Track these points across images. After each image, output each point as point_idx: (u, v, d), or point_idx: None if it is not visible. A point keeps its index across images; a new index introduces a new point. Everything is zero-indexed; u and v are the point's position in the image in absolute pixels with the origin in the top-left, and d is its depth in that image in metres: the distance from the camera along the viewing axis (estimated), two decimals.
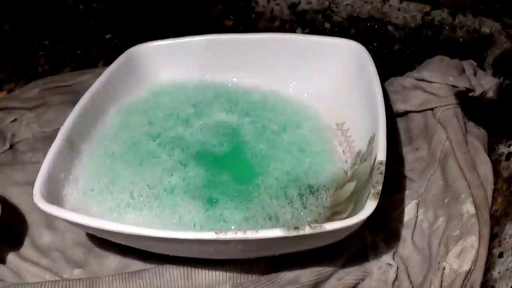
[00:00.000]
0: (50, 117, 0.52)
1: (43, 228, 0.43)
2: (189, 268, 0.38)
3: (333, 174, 0.42)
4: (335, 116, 0.46)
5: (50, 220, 0.43)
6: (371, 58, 0.44)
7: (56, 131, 0.40)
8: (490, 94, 0.47)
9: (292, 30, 0.61)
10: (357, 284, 0.39)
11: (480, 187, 0.41)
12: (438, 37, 0.55)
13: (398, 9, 0.55)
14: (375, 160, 0.36)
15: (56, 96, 0.54)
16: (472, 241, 0.38)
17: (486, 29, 0.52)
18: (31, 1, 0.67)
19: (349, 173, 0.41)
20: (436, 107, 0.46)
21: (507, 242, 0.38)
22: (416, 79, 0.48)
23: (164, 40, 0.49)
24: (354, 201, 0.37)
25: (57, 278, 0.39)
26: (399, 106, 0.48)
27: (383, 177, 0.34)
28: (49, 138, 0.48)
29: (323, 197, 0.40)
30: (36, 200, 0.35)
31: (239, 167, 0.42)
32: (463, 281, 0.37)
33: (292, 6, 0.60)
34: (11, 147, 0.50)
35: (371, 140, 0.39)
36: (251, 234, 0.31)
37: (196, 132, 0.45)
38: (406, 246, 0.40)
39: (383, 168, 0.34)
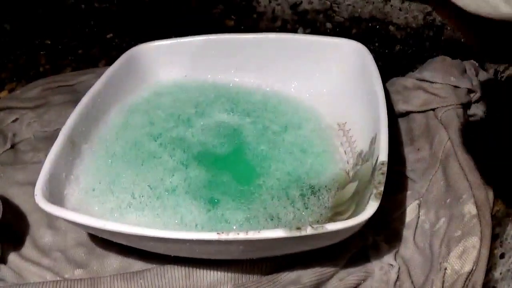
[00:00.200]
0: (51, 117, 0.52)
1: (44, 228, 0.43)
2: (190, 268, 0.38)
3: (334, 175, 0.42)
4: (336, 116, 0.46)
5: (51, 220, 0.43)
6: (373, 59, 0.44)
7: (57, 131, 0.40)
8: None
9: (294, 30, 0.61)
10: (359, 284, 0.39)
11: (482, 187, 0.41)
12: (439, 37, 0.55)
13: (400, 9, 0.55)
14: (377, 161, 0.36)
15: (58, 96, 0.54)
16: (473, 241, 0.38)
17: None
18: (32, 1, 0.67)
19: (351, 174, 0.41)
20: (437, 108, 0.46)
21: (509, 242, 0.38)
22: (417, 80, 0.48)
23: (165, 40, 0.49)
24: (356, 202, 0.37)
25: (58, 278, 0.39)
26: (400, 107, 0.48)
27: (385, 178, 0.34)
28: (50, 138, 0.48)
29: (324, 198, 0.40)
30: (38, 200, 0.35)
31: (241, 168, 0.42)
32: (465, 281, 0.37)
33: (293, 6, 0.60)
34: (12, 147, 0.50)
35: (373, 141, 0.39)
36: (253, 235, 0.31)
37: (197, 133, 0.45)
38: (408, 247, 0.40)
39: (385, 168, 0.34)
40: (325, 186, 0.41)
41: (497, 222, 0.40)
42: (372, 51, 0.45)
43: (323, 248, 0.36)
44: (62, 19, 0.66)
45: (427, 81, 0.48)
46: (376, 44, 0.58)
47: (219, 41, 0.49)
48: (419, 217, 0.42)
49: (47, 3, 0.67)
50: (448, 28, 0.54)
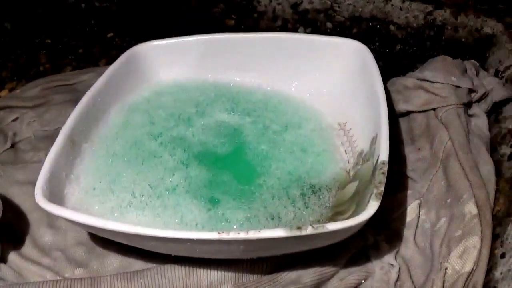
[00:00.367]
0: (51, 116, 0.52)
1: (44, 227, 0.43)
2: (190, 268, 0.38)
3: (335, 174, 0.42)
4: (337, 116, 0.46)
5: (51, 219, 0.43)
6: (373, 58, 0.44)
7: (58, 130, 0.40)
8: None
9: (294, 30, 0.61)
10: (359, 284, 0.39)
11: (482, 187, 0.41)
12: (440, 37, 0.55)
13: (400, 9, 0.55)
14: (377, 160, 0.35)
15: (58, 95, 0.54)
16: (474, 241, 0.38)
17: (488, 29, 0.52)
18: (32, 0, 0.67)
19: (351, 173, 0.41)
20: (438, 107, 0.46)
21: (509, 242, 0.38)
22: (418, 79, 0.48)
23: (165, 39, 0.49)
24: (357, 201, 0.37)
25: (58, 278, 0.39)
26: (401, 106, 0.48)
27: (385, 178, 0.34)
28: (51, 137, 0.48)
29: (325, 197, 0.40)
30: (38, 199, 0.35)
31: (241, 167, 0.42)
32: (465, 281, 0.37)
33: (294, 5, 0.60)
34: (12, 146, 0.50)
35: (374, 140, 0.39)
36: (253, 234, 0.30)
37: (197, 132, 0.45)
38: (408, 247, 0.40)
39: (385, 168, 0.34)
40: (326, 186, 0.41)
41: (498, 222, 0.40)
42: (372, 50, 0.45)
43: (323, 248, 0.36)
44: (62, 18, 0.67)
45: (427, 80, 0.48)
46: (377, 44, 0.58)
47: (220, 40, 0.49)
48: (419, 216, 0.42)
49: (47, 2, 0.67)
50: (449, 28, 0.54)
